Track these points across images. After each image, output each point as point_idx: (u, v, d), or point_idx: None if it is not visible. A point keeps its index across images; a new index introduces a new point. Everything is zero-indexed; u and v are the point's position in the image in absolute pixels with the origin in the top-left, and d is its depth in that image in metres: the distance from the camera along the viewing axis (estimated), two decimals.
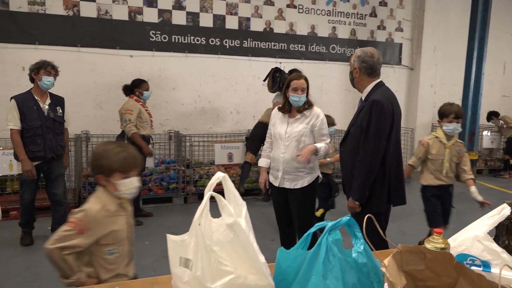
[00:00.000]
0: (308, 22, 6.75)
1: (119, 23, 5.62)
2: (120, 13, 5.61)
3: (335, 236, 1.10)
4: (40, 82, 3.77)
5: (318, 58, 6.88)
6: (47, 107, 3.82)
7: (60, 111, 3.95)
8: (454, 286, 1.00)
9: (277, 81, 4.91)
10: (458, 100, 7.64)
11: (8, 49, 5.15)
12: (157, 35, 5.83)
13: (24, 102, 3.71)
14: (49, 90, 3.91)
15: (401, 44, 7.55)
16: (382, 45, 7.34)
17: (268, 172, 3.24)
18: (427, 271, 1.03)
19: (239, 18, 6.28)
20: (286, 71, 5.05)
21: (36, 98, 3.78)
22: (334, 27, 6.95)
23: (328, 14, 6.87)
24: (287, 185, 3.09)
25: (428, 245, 1.13)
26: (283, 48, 6.60)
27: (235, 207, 1.09)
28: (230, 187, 1.12)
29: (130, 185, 1.79)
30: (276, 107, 3.22)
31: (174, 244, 1.05)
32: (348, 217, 1.09)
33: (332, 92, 7.03)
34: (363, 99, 2.61)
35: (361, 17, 7.14)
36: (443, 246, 1.17)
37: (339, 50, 7.02)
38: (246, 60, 6.38)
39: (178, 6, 5.91)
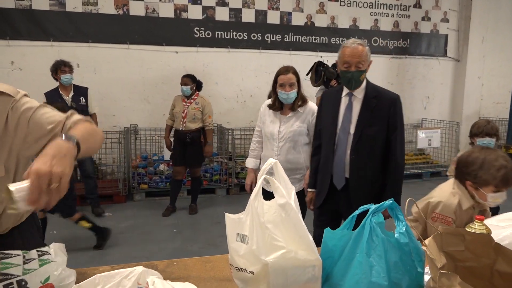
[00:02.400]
0: (349, 15, 6.71)
1: (165, 21, 5.85)
2: (166, 11, 5.83)
3: (378, 219, 1.18)
4: (60, 80, 4.52)
5: None
6: (70, 99, 4.56)
7: (84, 100, 4.68)
8: (493, 266, 1.06)
9: (321, 75, 4.95)
10: (508, 92, 7.34)
11: (64, 47, 5.51)
12: (201, 31, 6.03)
13: (51, 97, 4.39)
14: (73, 83, 4.65)
15: (446, 35, 7.33)
16: (426, 36, 7.17)
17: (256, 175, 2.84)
18: (467, 252, 1.09)
19: (280, 12, 6.36)
20: (330, 64, 5.09)
21: (61, 92, 4.56)
22: (376, 20, 6.86)
23: (371, 6, 6.79)
24: None
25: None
26: (324, 41, 6.61)
27: (285, 190, 1.20)
28: (281, 172, 1.23)
29: (500, 198, 1.72)
30: (266, 103, 2.95)
31: (232, 222, 1.17)
32: (391, 201, 1.17)
33: None
34: (358, 95, 2.37)
35: (404, 9, 7.00)
36: (484, 232, 1.23)
37: (382, 42, 6.93)
38: (287, 55, 6.45)
39: (221, 2, 6.06)
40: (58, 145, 1.00)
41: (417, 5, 7.08)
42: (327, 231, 1.21)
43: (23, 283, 1.02)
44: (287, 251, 1.08)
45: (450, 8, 7.29)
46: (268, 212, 1.14)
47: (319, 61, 5.11)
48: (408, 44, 7.09)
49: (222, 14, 6.09)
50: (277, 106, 2.81)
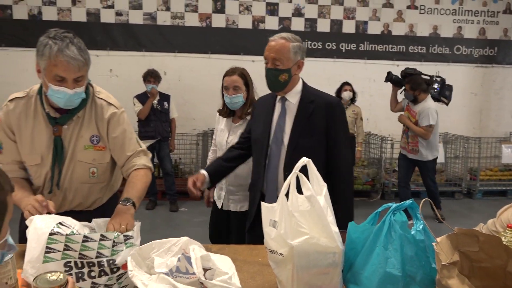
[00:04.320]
0: (430, 22, 6.52)
1: (243, 32, 6.23)
2: (245, 23, 6.21)
3: (401, 218, 1.29)
4: (146, 88, 5.19)
5: (440, 59, 6.58)
6: (156, 102, 5.16)
7: (167, 105, 5.28)
8: (506, 268, 1.12)
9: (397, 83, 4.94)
10: None
11: (154, 57, 6.13)
12: None
13: (141, 100, 5.14)
14: (160, 89, 5.25)
15: None
16: None
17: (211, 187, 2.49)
18: (481, 252, 1.16)
19: (356, 22, 6.40)
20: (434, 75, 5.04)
21: (149, 96, 5.14)
22: (459, 27, 6.57)
23: (453, 13, 6.53)
24: (232, 207, 2.46)
25: (504, 239, 1.24)
26: (401, 50, 6.50)
27: (316, 186, 1.36)
28: (313, 170, 1.39)
29: None
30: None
31: (266, 209, 1.36)
32: (411, 201, 1.27)
33: (455, 96, 6.57)
34: (292, 100, 2.00)
35: (492, 15, 6.60)
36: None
37: (465, 51, 6.61)
38: (362, 63, 6.46)
39: (297, 13, 6.28)
40: (121, 210, 1.52)
41: (508, 11, 6.64)
42: (352, 224, 1.35)
43: (111, 261, 1.28)
44: (310, 237, 1.24)
45: None
46: (296, 202, 1.31)
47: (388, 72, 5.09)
48: (495, 52, 6.67)
49: (298, 24, 6.31)
50: (225, 111, 2.50)
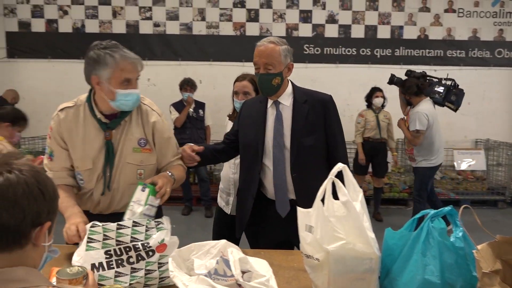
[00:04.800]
0: (469, 26, 6.33)
1: None
2: (279, 30, 6.26)
3: (440, 225, 1.27)
4: (182, 96, 5.33)
5: (480, 64, 6.37)
6: (192, 110, 5.29)
7: (202, 113, 5.40)
8: None
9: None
10: None
11: (189, 65, 6.29)
12: (310, 48, 6.31)
13: (177, 107, 5.29)
14: (195, 97, 5.37)
15: None
16: None
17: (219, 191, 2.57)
18: None
19: (391, 27, 6.31)
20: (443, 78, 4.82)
21: (185, 104, 5.29)
22: (501, 30, 6.34)
23: (494, 15, 6.31)
24: None
25: None
26: (438, 54, 6.34)
27: (352, 192, 1.37)
28: (349, 176, 1.40)
29: None
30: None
31: (302, 215, 1.38)
32: (450, 207, 1.25)
33: (497, 101, 6.41)
34: (285, 103, 2.01)
35: None
36: None
37: (507, 54, 6.36)
38: (398, 69, 6.33)
39: (331, 20, 6.28)
40: (167, 177, 1.70)
41: None
42: (388, 230, 1.34)
43: (146, 244, 1.41)
44: (346, 242, 1.25)
45: None
46: (332, 208, 1.32)
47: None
48: None
49: (331, 31, 6.29)
50: (235, 116, 2.51)
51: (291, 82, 2.08)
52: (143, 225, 1.44)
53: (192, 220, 5.16)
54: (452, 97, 4.38)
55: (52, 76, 6.30)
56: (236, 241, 2.31)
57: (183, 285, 1.17)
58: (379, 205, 5.34)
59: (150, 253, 1.40)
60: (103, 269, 1.37)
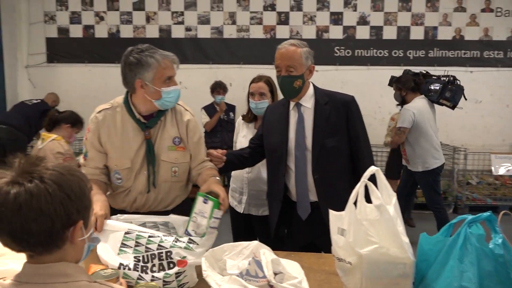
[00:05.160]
0: (507, 25, 6.09)
1: (307, 42, 6.20)
2: (309, 33, 6.24)
3: (477, 231, 1.23)
4: (214, 99, 5.35)
5: None
6: (222, 113, 5.30)
7: (232, 115, 5.43)
8: None
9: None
10: None
11: (220, 69, 6.37)
12: (341, 50, 6.25)
13: (208, 111, 5.35)
14: (226, 100, 5.39)
15: None
16: None
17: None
18: None
19: (425, 28, 6.17)
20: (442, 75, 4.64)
21: (215, 107, 5.34)
22: None
23: None
24: (253, 211, 2.50)
25: None
26: (475, 56, 6.14)
27: (385, 195, 1.35)
28: (382, 179, 1.38)
29: None
30: (241, 115, 2.69)
31: (334, 217, 1.37)
32: (489, 213, 1.22)
33: None
34: (307, 105, 2.02)
35: None
36: None
37: None
38: (431, 70, 6.17)
39: (363, 21, 6.20)
40: (217, 182, 1.74)
41: None
42: (423, 235, 1.32)
43: (169, 253, 1.42)
44: (379, 247, 1.23)
45: None
46: (365, 211, 1.31)
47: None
48: None
49: (362, 33, 6.21)
50: (249, 116, 2.57)
51: (313, 84, 2.08)
52: (171, 240, 1.45)
53: (223, 221, 5.06)
54: (447, 93, 4.18)
55: (88, 80, 6.53)
56: (254, 239, 2.41)
57: (216, 284, 1.19)
58: (411, 210, 5.22)
59: (171, 265, 1.42)
60: (129, 269, 1.41)
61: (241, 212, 2.54)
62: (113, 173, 1.84)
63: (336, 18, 6.22)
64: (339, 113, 1.98)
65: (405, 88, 4.26)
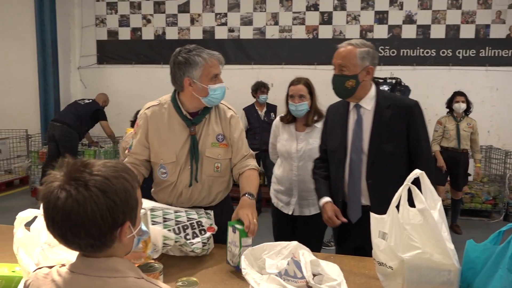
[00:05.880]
0: None
1: None
2: (352, 32, 6.14)
3: None
4: (258, 99, 5.32)
5: None
6: (263, 114, 5.32)
7: (273, 116, 5.24)
8: None
9: None
10: None
11: (262, 69, 6.41)
12: (385, 50, 6.11)
13: (249, 112, 5.33)
14: (267, 101, 5.39)
15: None
16: None
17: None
18: None
19: (476, 26, 5.89)
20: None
21: (256, 108, 5.35)
22: None
23: None
24: (303, 212, 2.55)
25: None
26: None
27: (430, 200, 1.31)
28: (427, 183, 1.35)
29: None
30: (279, 117, 2.70)
31: (376, 221, 1.35)
32: None
33: None
34: (367, 107, 1.96)
35: None
36: None
37: None
38: (483, 71, 5.91)
39: (409, 20, 6.02)
40: (248, 202, 1.77)
41: None
42: (469, 242, 1.27)
43: (199, 222, 1.74)
44: (422, 252, 1.20)
45: None
46: (407, 215, 1.28)
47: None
48: None
49: (408, 32, 6.03)
50: (289, 118, 2.59)
51: (376, 86, 2.01)
52: (195, 213, 1.78)
53: (261, 221, 5.04)
54: (396, 94, 4.30)
55: (135, 80, 6.80)
56: (300, 238, 2.48)
57: (255, 282, 1.21)
58: (458, 216, 5.00)
59: (202, 232, 1.71)
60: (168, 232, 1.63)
61: (290, 213, 2.57)
62: (158, 168, 1.93)
63: (381, 17, 6.08)
64: (400, 117, 1.91)
65: None
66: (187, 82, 1.81)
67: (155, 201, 1.94)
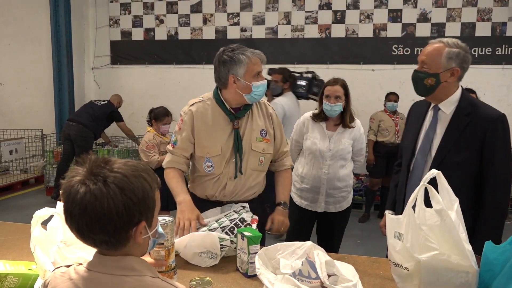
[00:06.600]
0: None
1: (363, 41, 6.11)
2: (365, 31, 6.09)
3: None
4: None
5: None
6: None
7: None
8: None
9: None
10: None
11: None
12: (399, 48, 6.04)
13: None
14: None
15: None
16: None
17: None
18: None
19: (492, 23, 5.79)
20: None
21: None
22: None
23: None
24: (331, 209, 2.65)
25: None
26: None
27: (447, 200, 1.29)
28: (444, 184, 1.32)
29: None
30: (306, 116, 2.72)
31: (391, 221, 1.33)
32: None
33: None
34: (445, 110, 1.84)
35: None
36: None
37: None
38: (499, 69, 5.81)
39: (423, 18, 5.94)
40: (281, 212, 2.04)
41: None
42: (489, 244, 1.24)
43: (241, 219, 1.77)
44: (439, 253, 1.18)
45: None
46: (424, 216, 1.26)
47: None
48: None
49: (423, 30, 5.95)
50: (322, 116, 2.62)
51: (463, 91, 1.86)
52: (233, 212, 1.85)
53: None
54: (314, 88, 4.52)
55: (148, 81, 6.84)
56: (329, 234, 2.73)
57: (269, 282, 1.20)
58: None
59: (248, 227, 1.74)
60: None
61: (319, 211, 2.67)
62: (203, 162, 1.98)
63: (395, 16, 6.01)
64: (478, 128, 1.75)
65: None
66: (232, 80, 1.89)
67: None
